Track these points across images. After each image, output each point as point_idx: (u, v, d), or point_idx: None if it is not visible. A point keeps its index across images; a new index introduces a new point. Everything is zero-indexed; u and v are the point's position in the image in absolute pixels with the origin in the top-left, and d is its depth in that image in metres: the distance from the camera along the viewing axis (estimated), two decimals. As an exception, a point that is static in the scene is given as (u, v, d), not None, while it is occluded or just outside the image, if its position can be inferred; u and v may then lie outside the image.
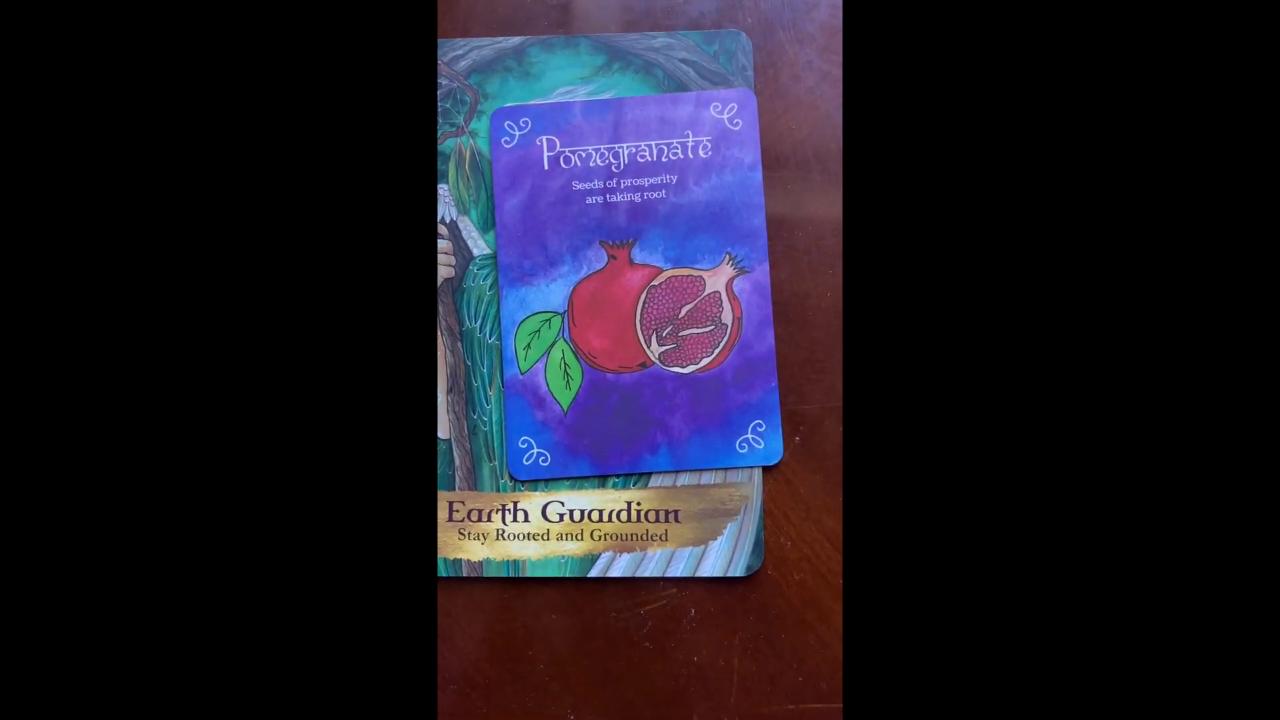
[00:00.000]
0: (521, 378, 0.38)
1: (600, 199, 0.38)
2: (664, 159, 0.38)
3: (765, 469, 0.37)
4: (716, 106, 0.38)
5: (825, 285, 0.38)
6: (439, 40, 0.39)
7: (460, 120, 0.39)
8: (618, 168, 0.38)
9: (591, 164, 0.38)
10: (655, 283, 0.38)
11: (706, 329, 0.38)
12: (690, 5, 0.39)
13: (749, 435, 0.37)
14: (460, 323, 0.38)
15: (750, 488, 0.37)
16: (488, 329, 0.38)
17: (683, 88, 0.39)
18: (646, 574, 0.37)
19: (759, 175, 0.38)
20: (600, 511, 0.37)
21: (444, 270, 0.38)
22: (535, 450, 0.37)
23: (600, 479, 0.37)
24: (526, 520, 0.37)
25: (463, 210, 0.39)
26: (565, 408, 0.37)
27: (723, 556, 0.37)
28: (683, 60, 0.39)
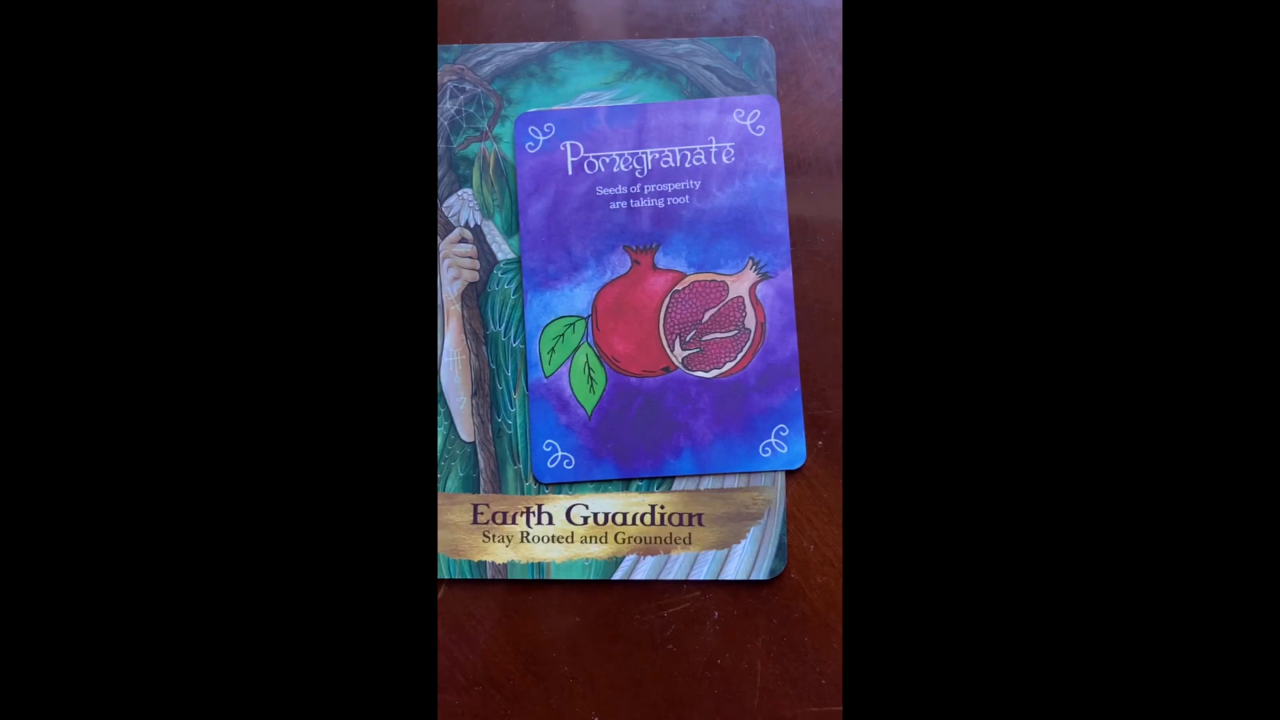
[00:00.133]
0: (546, 381, 0.38)
1: (624, 204, 0.38)
2: (687, 165, 0.38)
3: (788, 473, 0.37)
4: (739, 112, 0.38)
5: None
6: (463, 45, 0.39)
7: (484, 125, 0.39)
8: (641, 173, 0.38)
9: (615, 169, 0.38)
10: (679, 288, 0.38)
11: (730, 334, 0.38)
12: (713, 12, 0.40)
13: (772, 439, 0.37)
14: (485, 327, 0.38)
15: (773, 491, 0.37)
16: (512, 333, 0.38)
17: (706, 94, 0.39)
18: (670, 577, 0.37)
19: (782, 181, 0.38)
20: (624, 514, 0.37)
21: (468, 274, 0.38)
22: (559, 453, 0.38)
23: (624, 482, 0.38)
24: (551, 523, 0.37)
25: (487, 215, 0.39)
26: (589, 411, 0.38)
27: (746, 560, 0.37)
28: (706, 66, 0.39)
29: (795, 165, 0.39)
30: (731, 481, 0.37)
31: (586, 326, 0.38)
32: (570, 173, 0.38)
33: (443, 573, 0.37)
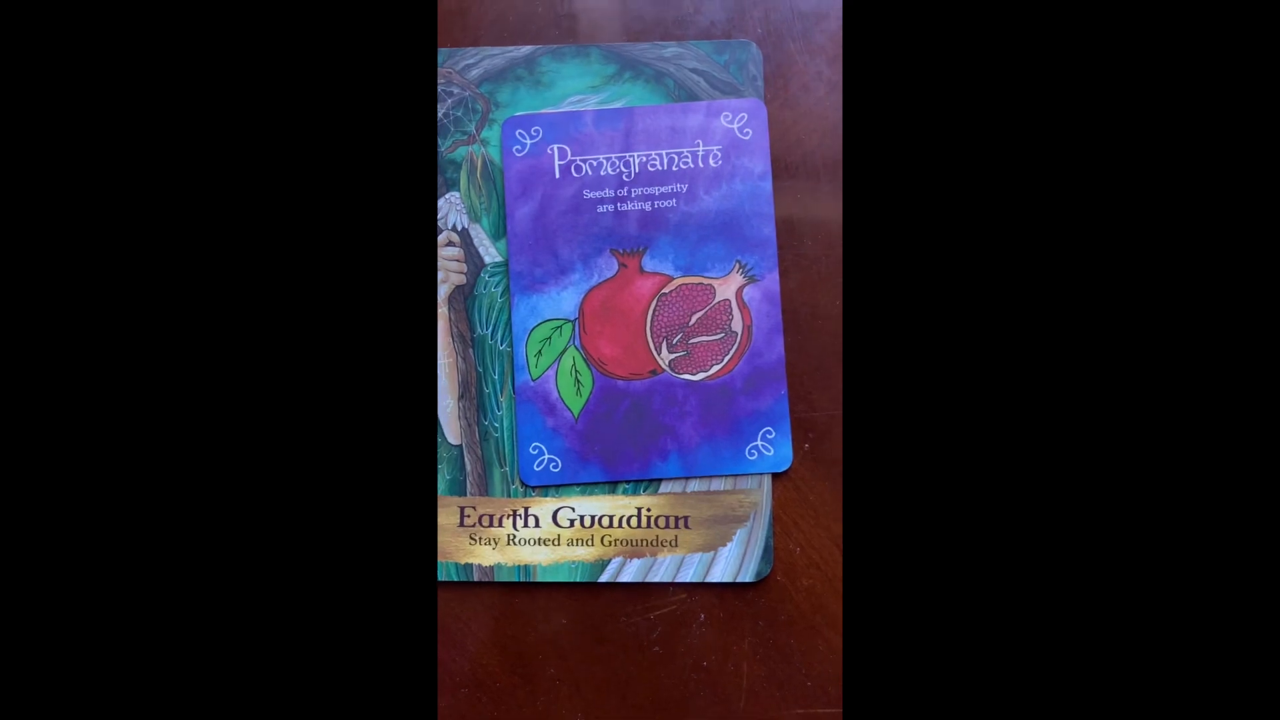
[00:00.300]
0: (533, 384, 0.38)
1: (611, 207, 0.38)
2: (674, 168, 0.38)
3: (774, 475, 0.38)
4: (727, 116, 0.39)
5: (834, 294, 0.38)
6: (450, 49, 0.39)
7: (472, 128, 0.39)
8: (628, 176, 0.38)
9: (602, 173, 0.38)
10: (665, 291, 0.38)
11: (716, 337, 0.38)
12: (701, 15, 0.40)
13: (759, 442, 0.37)
14: (472, 329, 0.38)
15: (760, 494, 0.37)
16: (499, 336, 0.38)
17: (693, 97, 0.39)
18: (656, 579, 0.37)
19: (769, 185, 0.38)
20: (611, 517, 0.37)
21: (455, 278, 0.39)
22: (546, 456, 0.38)
23: (611, 485, 0.38)
24: (537, 526, 0.37)
25: (474, 218, 0.39)
26: (576, 414, 0.38)
27: (732, 562, 0.37)
28: (693, 70, 0.39)
29: (782, 169, 0.39)
30: (718, 484, 0.37)
31: (573, 329, 0.38)
32: (557, 176, 0.39)
33: (430, 575, 0.37)
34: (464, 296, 0.39)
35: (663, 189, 0.38)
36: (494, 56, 0.39)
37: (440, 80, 0.39)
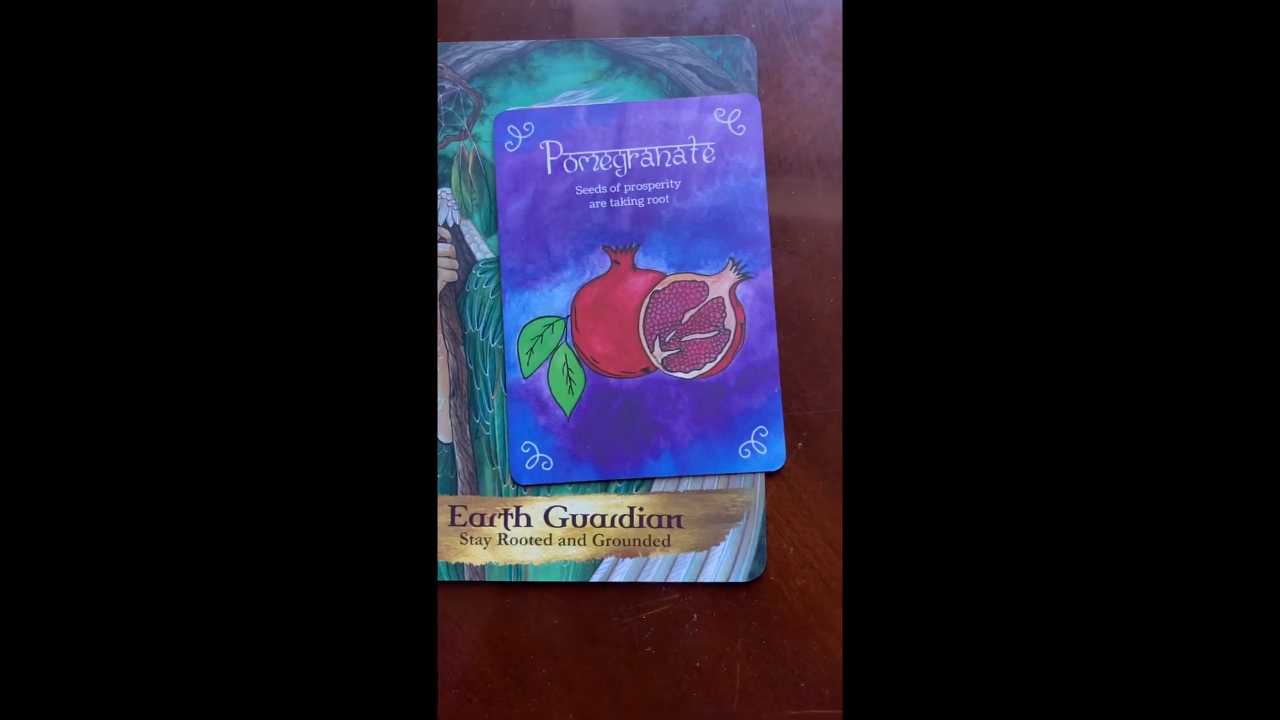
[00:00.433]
0: (524, 382, 0.38)
1: (604, 204, 0.38)
2: (667, 164, 0.38)
3: (768, 475, 0.37)
4: (720, 112, 0.38)
5: (828, 291, 0.38)
6: (442, 44, 0.39)
7: (463, 124, 0.39)
8: (621, 172, 0.38)
9: (595, 168, 0.38)
10: (658, 288, 0.38)
11: (709, 334, 0.38)
12: (694, 10, 0.39)
13: (752, 441, 0.37)
14: (463, 327, 0.38)
15: (753, 493, 0.37)
16: (490, 333, 0.38)
17: (686, 93, 0.39)
18: (649, 579, 0.37)
19: (762, 181, 0.38)
20: (603, 516, 0.37)
21: (446, 274, 0.38)
22: (538, 455, 0.37)
23: (603, 484, 0.37)
24: (529, 525, 0.37)
25: (465, 214, 0.38)
26: (568, 412, 0.37)
27: (725, 562, 0.37)
28: (686, 65, 0.39)
29: (776, 165, 0.38)
30: (711, 483, 0.37)
31: (565, 327, 0.38)
32: (549, 172, 0.38)
33: (420, 575, 0.37)
34: (455, 293, 0.38)
35: (655, 185, 0.38)
36: (486, 51, 0.39)
37: (431, 75, 0.39)
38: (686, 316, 0.38)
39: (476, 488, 0.37)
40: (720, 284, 0.38)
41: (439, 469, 0.37)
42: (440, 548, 0.37)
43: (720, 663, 0.37)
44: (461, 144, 0.39)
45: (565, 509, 0.37)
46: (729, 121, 0.38)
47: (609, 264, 0.38)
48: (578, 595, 0.37)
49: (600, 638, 0.37)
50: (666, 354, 0.38)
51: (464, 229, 0.38)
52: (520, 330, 0.38)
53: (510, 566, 0.37)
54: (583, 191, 0.38)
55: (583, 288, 0.38)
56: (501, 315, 0.38)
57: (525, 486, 0.37)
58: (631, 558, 0.37)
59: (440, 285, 0.38)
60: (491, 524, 0.37)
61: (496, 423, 0.38)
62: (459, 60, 0.39)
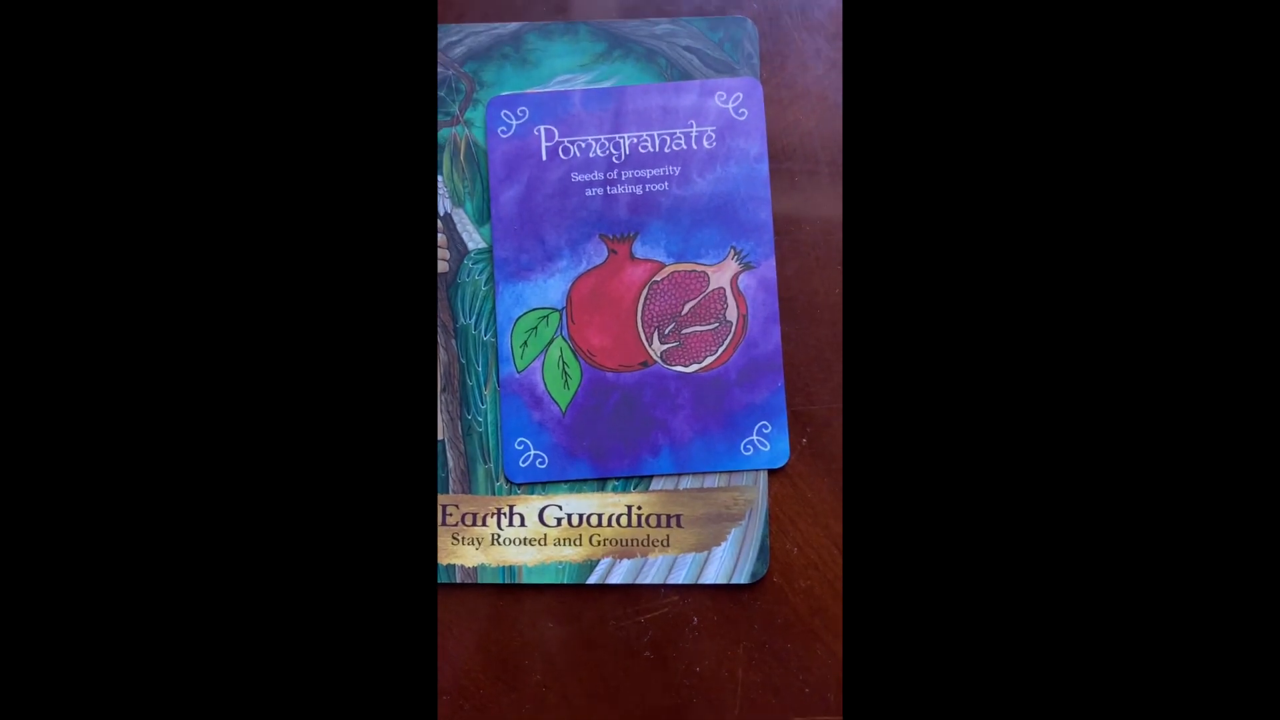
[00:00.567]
0: (518, 376, 0.36)
1: (600, 191, 0.37)
2: (666, 150, 0.37)
3: (771, 472, 0.36)
4: (721, 96, 0.37)
5: (833, 282, 0.37)
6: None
7: (455, 109, 0.37)
8: (618, 159, 0.37)
9: (591, 155, 0.37)
10: (657, 278, 0.36)
11: (710, 326, 0.36)
12: (694, -9, 0.38)
13: (754, 437, 0.36)
14: (454, 319, 0.37)
15: (755, 491, 0.36)
16: (483, 326, 0.37)
17: (686, 76, 0.37)
18: (647, 581, 0.35)
19: (765, 167, 0.37)
20: (599, 516, 0.36)
21: (438, 265, 0.37)
22: (532, 452, 0.36)
23: (600, 482, 0.36)
24: (523, 525, 0.36)
25: (457, 202, 0.37)
26: (563, 408, 0.36)
27: (726, 563, 0.35)
28: (686, 48, 0.37)
29: (780, 151, 0.37)
30: (711, 481, 0.36)
31: (561, 319, 0.36)
32: (544, 158, 0.37)
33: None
34: (446, 284, 0.37)
35: (654, 171, 0.37)
36: (479, 34, 0.38)
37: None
38: (686, 308, 0.36)
39: (468, 486, 0.36)
40: (721, 274, 0.36)
41: (430, 466, 0.36)
42: (431, 548, 0.36)
43: (721, 667, 0.35)
44: (453, 130, 0.37)
45: (560, 508, 0.36)
46: (730, 105, 0.37)
47: (606, 253, 0.37)
48: (574, 598, 0.36)
49: (597, 642, 0.36)
50: (666, 347, 0.36)
51: (455, 218, 0.37)
52: (514, 323, 0.36)
53: (503, 568, 0.36)
54: (579, 178, 0.37)
55: (579, 278, 0.37)
56: (494, 307, 0.37)
57: (519, 485, 0.36)
58: (629, 559, 0.36)
59: (431, 276, 0.37)
60: (484, 524, 0.36)
61: (489, 419, 0.36)
62: (451, 43, 0.38)
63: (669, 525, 0.36)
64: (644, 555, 0.36)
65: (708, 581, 0.36)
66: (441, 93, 0.38)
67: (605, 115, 0.37)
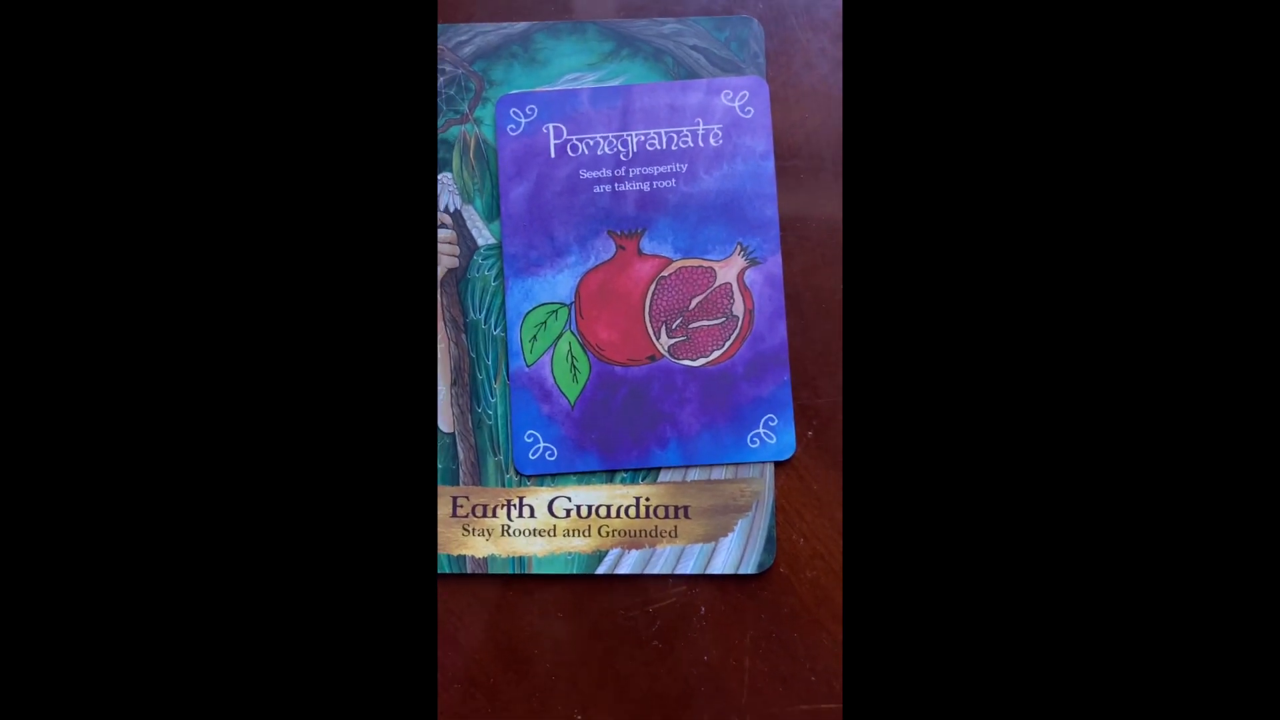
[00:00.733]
0: (527, 370, 0.37)
1: (608, 188, 0.37)
2: (674, 147, 0.37)
3: (777, 464, 0.36)
4: (727, 94, 0.37)
5: (838, 277, 0.37)
6: (442, 25, 0.38)
7: (465, 107, 0.38)
8: (626, 156, 0.37)
9: (599, 152, 0.37)
10: (665, 274, 0.37)
11: (717, 321, 0.37)
12: (700, -9, 0.38)
13: (760, 429, 0.36)
14: (465, 314, 0.37)
15: (762, 483, 0.36)
16: (493, 320, 0.37)
17: (693, 75, 0.38)
18: (655, 571, 0.36)
19: (771, 164, 0.37)
20: (608, 507, 0.36)
21: (448, 260, 0.37)
22: (541, 444, 0.36)
23: (608, 474, 0.36)
24: (532, 516, 0.36)
25: (467, 199, 0.38)
26: (572, 401, 0.37)
27: (734, 553, 0.36)
28: (693, 47, 0.38)
29: (785, 148, 0.38)
30: (719, 473, 0.36)
31: (569, 314, 0.37)
32: (553, 156, 0.37)
33: (421, 567, 0.36)
34: (457, 280, 0.37)
35: (661, 169, 0.37)
36: (488, 33, 0.38)
37: (432, 57, 0.38)
38: (693, 303, 0.37)
39: (479, 478, 0.37)
40: (728, 269, 0.37)
41: (440, 459, 0.37)
42: (442, 540, 0.36)
43: (729, 657, 0.36)
44: (463, 128, 0.38)
45: (570, 500, 0.36)
46: (736, 104, 0.37)
47: (614, 249, 0.37)
48: (582, 588, 0.36)
49: (605, 631, 0.36)
50: (673, 341, 0.37)
51: (465, 214, 0.38)
52: (523, 317, 0.37)
53: (513, 559, 0.36)
54: (587, 175, 0.37)
55: (587, 274, 0.37)
56: (504, 302, 0.37)
57: (529, 477, 0.36)
58: (637, 549, 0.36)
59: (441, 272, 0.37)
60: (494, 515, 0.36)
61: (499, 412, 0.37)
62: (460, 42, 0.38)
63: (677, 516, 0.36)
64: (652, 546, 0.36)
65: (715, 572, 0.36)
66: (451, 91, 0.38)
67: (613, 113, 0.37)
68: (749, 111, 0.37)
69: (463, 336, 0.37)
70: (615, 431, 0.36)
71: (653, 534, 0.36)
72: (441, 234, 0.37)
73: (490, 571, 0.36)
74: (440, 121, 0.38)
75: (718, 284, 0.37)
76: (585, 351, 0.37)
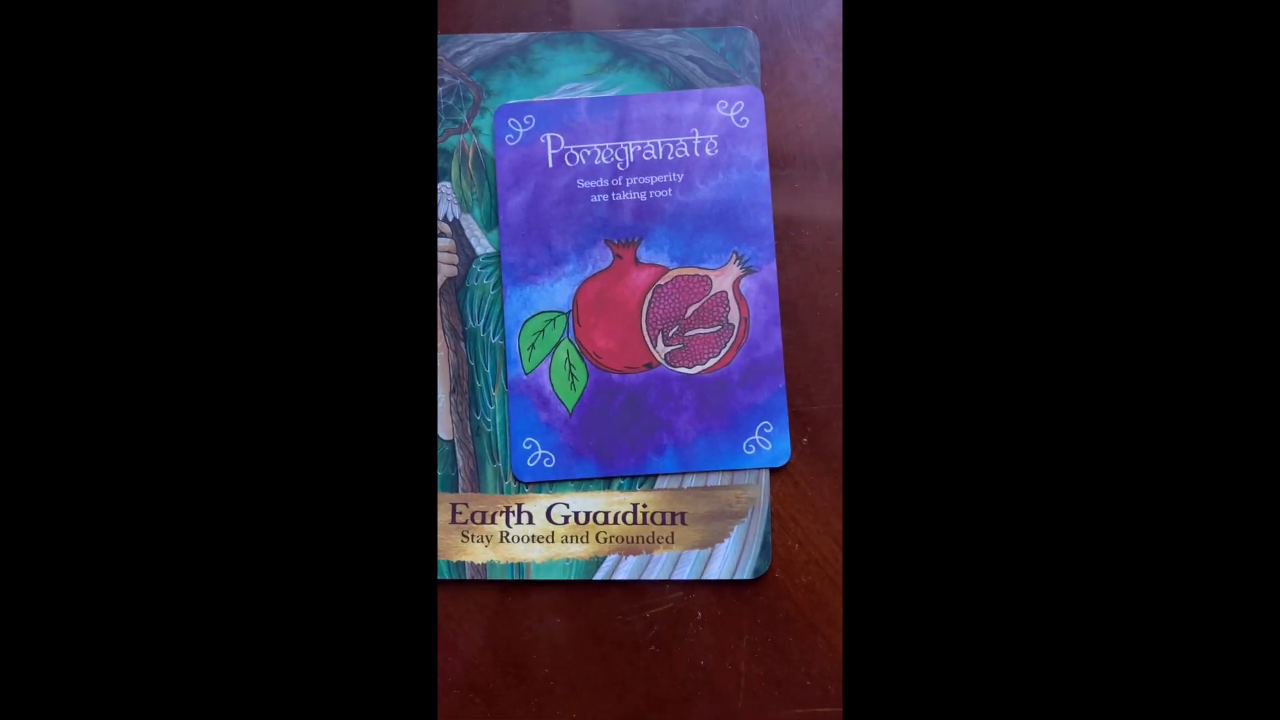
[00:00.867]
0: (525, 378, 0.37)
1: (605, 197, 0.38)
2: (670, 157, 0.38)
3: (773, 470, 0.37)
4: (723, 104, 0.38)
5: (832, 285, 0.38)
6: (441, 36, 0.39)
7: (463, 117, 0.38)
8: (623, 165, 0.38)
9: (596, 162, 0.38)
10: (661, 282, 0.37)
11: (713, 329, 0.37)
12: (696, 2, 0.39)
13: (756, 436, 0.37)
14: (463, 322, 0.38)
15: (757, 490, 0.37)
16: (491, 329, 0.38)
17: (689, 85, 0.38)
18: (652, 577, 0.36)
19: (766, 174, 0.38)
20: (606, 513, 0.37)
21: (447, 269, 0.38)
22: (540, 451, 0.37)
23: (605, 481, 0.37)
24: (531, 522, 0.37)
25: (466, 208, 0.38)
26: (570, 408, 0.37)
27: (730, 559, 0.36)
28: (689, 57, 0.38)
29: (780, 158, 0.38)
30: (715, 479, 0.37)
31: (567, 322, 0.37)
32: (551, 165, 0.38)
33: (420, 573, 0.36)
34: (455, 288, 0.38)
35: (658, 178, 0.38)
36: (486, 44, 0.39)
37: (431, 68, 0.39)
38: (690, 311, 0.37)
39: (478, 485, 0.37)
40: (724, 278, 0.37)
41: (440, 466, 0.37)
42: (441, 546, 0.37)
43: (725, 661, 0.36)
44: (461, 138, 0.38)
45: (568, 506, 0.37)
46: (732, 114, 0.38)
47: (611, 258, 0.37)
48: (580, 593, 0.37)
49: (603, 636, 0.36)
50: (669, 349, 0.37)
51: (464, 223, 0.38)
52: (521, 325, 0.37)
53: (512, 565, 0.36)
54: (584, 185, 0.38)
55: (584, 282, 0.37)
56: (502, 310, 0.37)
57: (527, 484, 0.37)
58: (635, 555, 0.36)
59: (440, 280, 0.38)
60: (493, 522, 0.37)
61: (498, 419, 0.37)
62: (458, 53, 0.39)
63: (673, 523, 0.37)
64: (649, 552, 0.36)
65: (711, 577, 0.36)
66: (450, 101, 0.38)
67: (610, 123, 0.38)
68: (744, 121, 0.38)
69: (462, 344, 0.38)
70: (613, 438, 0.37)
71: (650, 540, 0.36)
72: (441, 243, 0.38)
73: (489, 577, 0.36)
74: (439, 131, 0.38)
75: (713, 292, 0.37)
76: (583, 359, 0.37)
